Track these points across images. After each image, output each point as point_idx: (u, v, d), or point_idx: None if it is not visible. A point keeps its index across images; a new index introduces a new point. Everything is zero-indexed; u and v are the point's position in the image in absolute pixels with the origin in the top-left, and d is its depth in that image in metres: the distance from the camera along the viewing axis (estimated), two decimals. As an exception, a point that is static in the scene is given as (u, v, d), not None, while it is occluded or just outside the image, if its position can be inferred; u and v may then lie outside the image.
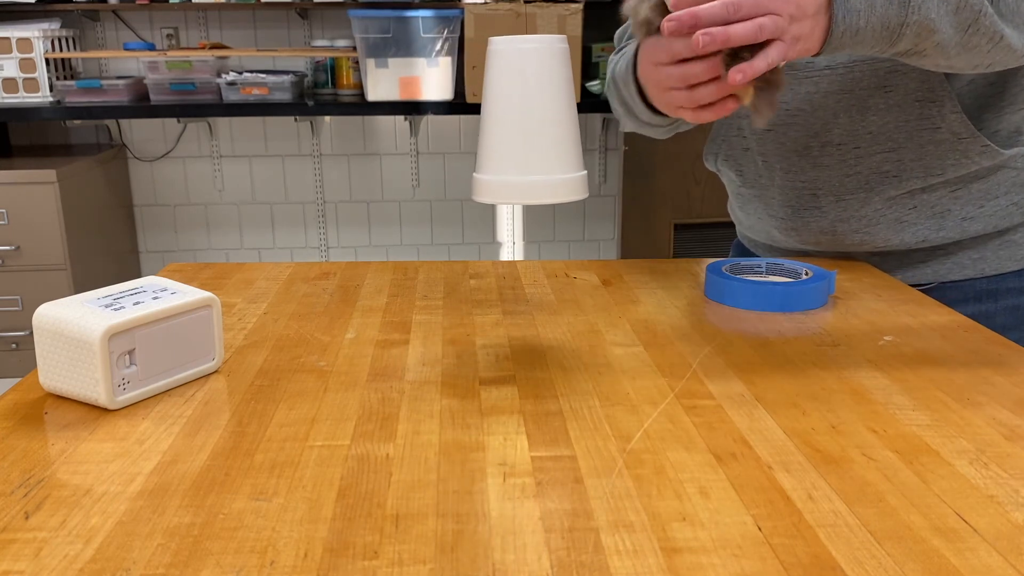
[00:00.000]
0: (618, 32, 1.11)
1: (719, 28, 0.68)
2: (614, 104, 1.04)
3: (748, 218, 1.10)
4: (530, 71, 0.64)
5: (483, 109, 0.67)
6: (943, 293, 0.98)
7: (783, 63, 0.73)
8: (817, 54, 0.73)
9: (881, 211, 0.96)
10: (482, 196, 0.67)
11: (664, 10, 0.73)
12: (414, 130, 3.29)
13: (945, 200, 0.94)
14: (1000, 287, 0.96)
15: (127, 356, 0.63)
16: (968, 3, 0.74)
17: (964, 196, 0.94)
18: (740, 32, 0.68)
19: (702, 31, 0.68)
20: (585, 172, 0.68)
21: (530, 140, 0.65)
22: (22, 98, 2.87)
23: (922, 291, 0.98)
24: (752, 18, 0.68)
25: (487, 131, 0.66)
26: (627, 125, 1.05)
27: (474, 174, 0.68)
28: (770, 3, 0.68)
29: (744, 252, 1.16)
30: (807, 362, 0.72)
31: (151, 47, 3.01)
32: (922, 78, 0.90)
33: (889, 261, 1.00)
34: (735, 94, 0.74)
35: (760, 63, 0.69)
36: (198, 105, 2.84)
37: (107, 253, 3.06)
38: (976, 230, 0.95)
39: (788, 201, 1.01)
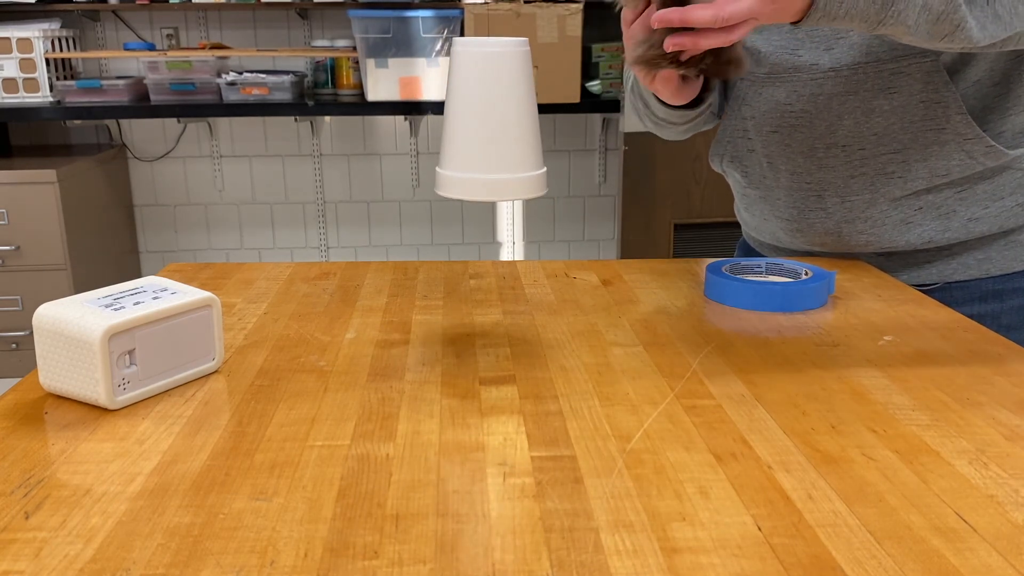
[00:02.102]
0: None
1: (690, 38, 0.71)
2: (632, 99, 1.07)
3: (754, 219, 1.10)
4: (492, 73, 0.67)
5: (447, 108, 0.70)
6: (948, 293, 0.98)
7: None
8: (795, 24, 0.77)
9: (887, 212, 0.96)
10: (445, 190, 0.71)
11: None
12: (414, 130, 3.29)
13: (951, 201, 0.94)
14: (1006, 287, 0.96)
15: (127, 356, 0.63)
16: (949, 18, 0.77)
17: (970, 197, 0.94)
18: (711, 44, 0.71)
19: (671, 39, 0.72)
20: (544, 169, 0.71)
21: (491, 139, 0.68)
22: (22, 98, 2.87)
23: (927, 291, 0.98)
24: (734, 25, 0.71)
25: (450, 129, 0.70)
26: (645, 124, 1.07)
27: (437, 168, 0.71)
28: (759, 11, 0.71)
29: (749, 252, 1.16)
30: (807, 362, 0.72)
31: (151, 47, 3.01)
32: (926, 80, 0.90)
33: (894, 262, 1.00)
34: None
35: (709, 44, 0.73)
36: (198, 105, 2.84)
37: (107, 253, 3.05)
38: (982, 231, 0.95)
39: (793, 202, 1.01)
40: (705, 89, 0.94)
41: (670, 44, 0.71)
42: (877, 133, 0.93)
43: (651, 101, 1.00)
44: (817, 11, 0.74)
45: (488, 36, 0.74)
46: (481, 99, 0.67)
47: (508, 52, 0.67)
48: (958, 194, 0.94)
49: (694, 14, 0.69)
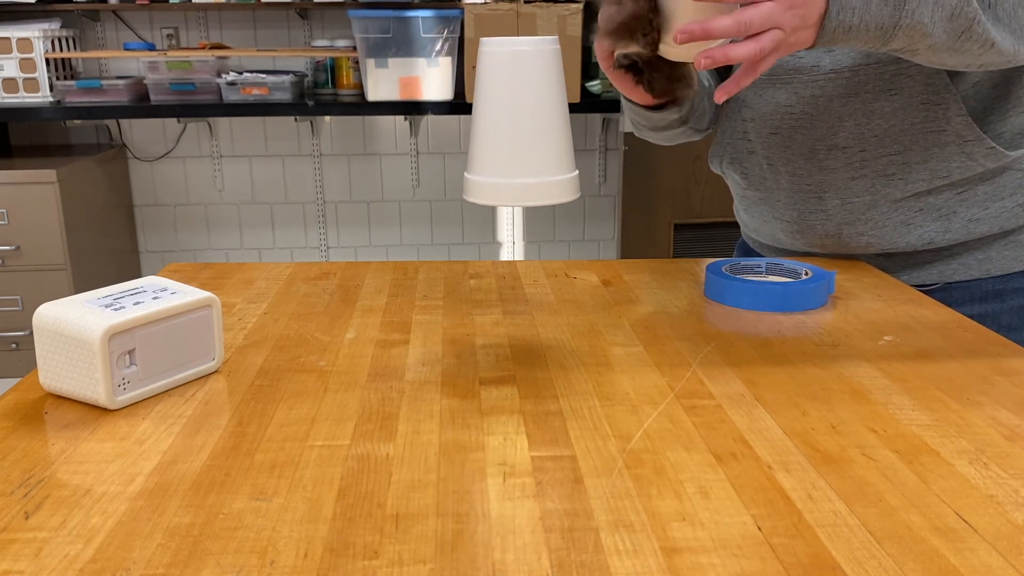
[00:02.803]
0: None
1: (720, 51, 0.68)
2: (625, 104, 1.07)
3: (753, 220, 1.10)
4: (522, 73, 0.65)
5: (475, 110, 0.67)
6: (949, 293, 0.98)
7: None
8: (810, 47, 0.75)
9: (887, 214, 0.96)
10: (474, 196, 0.68)
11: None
12: (414, 130, 3.29)
13: (951, 202, 0.94)
14: (1006, 287, 0.96)
15: (127, 356, 0.63)
16: (963, 11, 0.75)
17: (970, 198, 0.94)
18: (740, 54, 0.69)
19: (703, 53, 0.69)
20: (576, 172, 0.69)
21: (522, 142, 0.65)
22: (22, 98, 2.87)
23: (927, 292, 0.98)
24: (758, 33, 0.69)
25: (479, 132, 0.67)
26: (638, 131, 1.08)
27: (466, 174, 0.69)
28: (780, 17, 0.69)
29: (748, 252, 1.16)
30: (807, 362, 0.72)
31: (151, 47, 3.01)
32: (927, 81, 0.90)
33: (894, 262, 1.00)
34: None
35: (746, 80, 0.72)
36: (198, 105, 2.84)
37: (107, 253, 3.05)
38: (982, 231, 0.95)
39: (793, 204, 1.01)
40: (672, 100, 0.92)
41: (702, 61, 0.69)
42: (878, 135, 0.93)
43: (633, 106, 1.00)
44: (831, 21, 0.72)
45: (488, 36, 0.71)
46: (511, 101, 0.65)
47: (537, 51, 0.65)
48: (958, 195, 0.94)
49: (716, 24, 0.67)
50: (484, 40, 0.66)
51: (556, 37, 0.66)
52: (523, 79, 0.65)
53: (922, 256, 0.98)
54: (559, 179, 0.67)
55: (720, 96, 0.72)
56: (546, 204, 0.67)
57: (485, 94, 0.66)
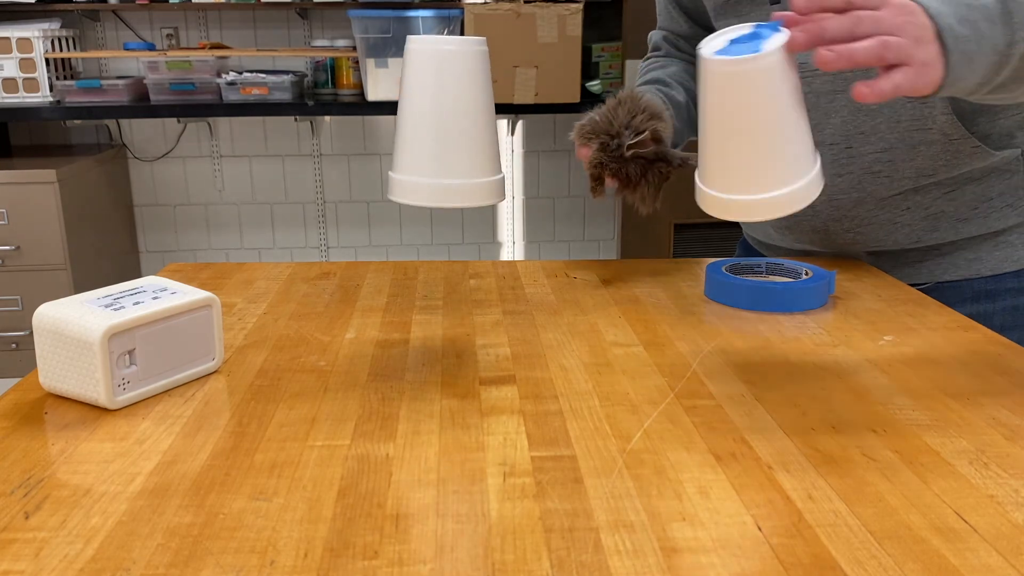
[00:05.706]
0: (651, 35, 1.17)
1: (844, 46, 0.62)
2: None
3: None
4: (447, 73, 0.63)
5: (399, 108, 0.66)
6: (941, 293, 0.98)
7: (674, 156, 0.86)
8: (934, 92, 0.66)
9: (873, 212, 0.96)
10: (396, 195, 0.67)
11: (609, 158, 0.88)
12: (414, 130, 3.29)
13: (939, 201, 0.95)
14: (998, 287, 0.96)
15: (127, 356, 0.63)
16: None
17: (958, 198, 0.94)
18: (864, 51, 0.62)
19: (826, 47, 0.62)
20: (501, 176, 0.67)
21: (445, 143, 0.64)
22: (22, 98, 2.87)
23: (919, 291, 0.98)
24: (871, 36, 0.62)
25: (402, 131, 0.65)
26: None
27: (389, 172, 0.67)
28: (892, 21, 0.62)
29: (749, 252, 1.17)
30: (807, 362, 0.72)
31: (151, 47, 3.01)
32: None
33: (884, 260, 1.00)
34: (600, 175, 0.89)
35: (886, 85, 0.63)
36: (198, 105, 2.84)
37: (107, 253, 3.05)
38: (971, 231, 0.95)
39: None
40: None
41: (825, 54, 0.61)
42: (864, 131, 0.94)
43: None
44: (953, 53, 0.65)
45: (489, 36, 0.71)
46: (435, 100, 0.63)
47: (464, 51, 0.63)
48: (946, 195, 0.94)
49: (829, 23, 0.61)
50: (410, 38, 0.64)
51: (484, 39, 0.64)
52: (448, 79, 0.63)
53: (911, 255, 0.98)
54: (482, 181, 0.65)
55: (860, 90, 0.63)
56: (468, 206, 0.66)
57: (410, 93, 0.64)
